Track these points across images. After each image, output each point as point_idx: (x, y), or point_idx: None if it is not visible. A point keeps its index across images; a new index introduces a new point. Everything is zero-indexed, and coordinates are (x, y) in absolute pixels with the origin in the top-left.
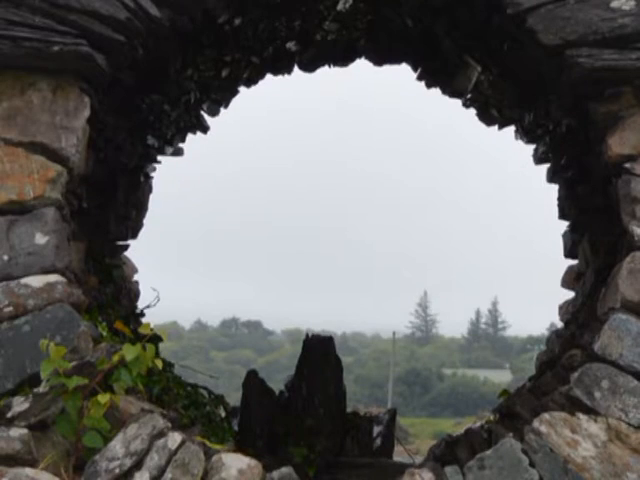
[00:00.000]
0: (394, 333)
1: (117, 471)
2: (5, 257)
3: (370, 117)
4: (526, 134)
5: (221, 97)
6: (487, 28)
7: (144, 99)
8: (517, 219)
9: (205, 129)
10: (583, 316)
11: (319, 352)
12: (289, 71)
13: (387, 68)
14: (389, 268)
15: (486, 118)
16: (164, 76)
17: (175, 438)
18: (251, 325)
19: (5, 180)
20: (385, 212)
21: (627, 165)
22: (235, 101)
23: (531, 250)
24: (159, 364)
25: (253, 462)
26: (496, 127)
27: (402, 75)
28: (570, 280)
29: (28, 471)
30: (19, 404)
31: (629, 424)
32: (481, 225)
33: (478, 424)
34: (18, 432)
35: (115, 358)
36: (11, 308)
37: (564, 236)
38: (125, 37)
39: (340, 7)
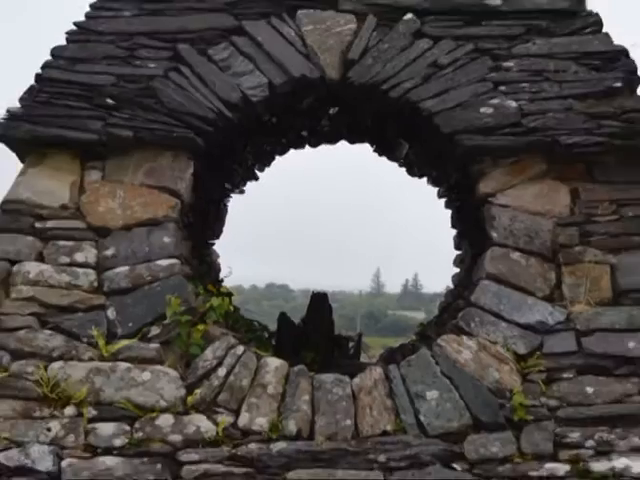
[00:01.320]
0: (360, 291)
1: (208, 367)
2: (147, 249)
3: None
4: (434, 182)
5: (266, 161)
6: (413, 122)
7: (224, 162)
8: (434, 227)
9: (257, 179)
10: (464, 281)
11: (319, 301)
12: (303, 148)
13: (358, 145)
14: (359, 256)
15: (411, 173)
16: (234, 149)
17: (240, 349)
18: (282, 286)
19: (147, 207)
20: (370, 225)
21: (489, 199)
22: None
23: (438, 245)
24: (232, 308)
25: (283, 362)
26: (417, 178)
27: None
28: (458, 262)
29: (159, 367)
30: (154, 330)
31: (489, 341)
32: (412, 228)
33: (407, 341)
34: (154, 345)
35: (207, 305)
36: (150, 277)
37: (454, 237)
38: (213, 128)
39: (331, 112)
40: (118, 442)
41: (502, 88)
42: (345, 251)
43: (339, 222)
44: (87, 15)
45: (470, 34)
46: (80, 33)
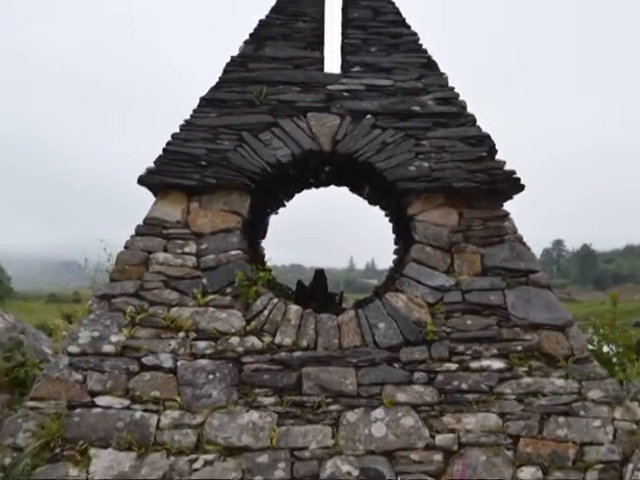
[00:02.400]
0: (342, 268)
1: (258, 310)
2: (224, 245)
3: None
4: (383, 208)
5: (289, 196)
6: (370, 174)
7: (266, 196)
8: (383, 232)
9: (285, 206)
10: (400, 263)
11: (319, 274)
12: (310, 189)
13: (342, 188)
14: (340, 248)
15: (370, 203)
16: (272, 189)
17: (276, 300)
18: (299, 265)
19: (224, 222)
20: (349, 229)
21: (413, 217)
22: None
23: (385, 242)
24: (271, 278)
25: (299, 307)
26: (373, 205)
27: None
28: (396, 252)
29: (231, 310)
30: (229, 289)
31: (414, 296)
32: (371, 232)
33: (368, 296)
34: (228, 298)
35: (257, 276)
36: (226, 260)
37: (394, 238)
38: (260, 178)
39: (326, 169)
40: (208, 351)
41: (420, 156)
42: (334, 245)
43: (331, 228)
44: (191, 115)
45: (403, 126)
46: (187, 125)
